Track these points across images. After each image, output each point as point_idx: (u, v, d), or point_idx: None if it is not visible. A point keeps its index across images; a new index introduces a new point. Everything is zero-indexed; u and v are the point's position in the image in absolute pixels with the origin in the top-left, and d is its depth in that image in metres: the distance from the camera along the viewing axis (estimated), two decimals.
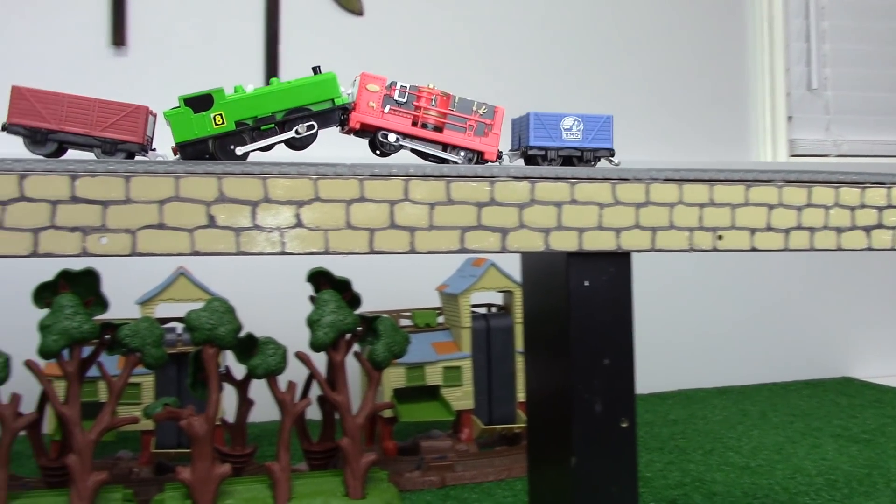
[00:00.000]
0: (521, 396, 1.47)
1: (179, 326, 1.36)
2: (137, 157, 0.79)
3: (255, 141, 0.78)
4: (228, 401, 1.16)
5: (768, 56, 2.40)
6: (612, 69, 2.25)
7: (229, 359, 1.14)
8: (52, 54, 1.87)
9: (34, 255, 0.66)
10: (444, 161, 0.82)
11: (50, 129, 0.76)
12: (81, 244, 0.66)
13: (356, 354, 1.18)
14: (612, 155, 0.87)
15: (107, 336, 1.09)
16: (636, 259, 0.83)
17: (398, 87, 0.80)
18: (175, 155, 0.80)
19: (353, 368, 1.18)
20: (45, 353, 1.02)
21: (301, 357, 1.13)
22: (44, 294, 1.07)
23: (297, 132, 0.79)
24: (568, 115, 0.84)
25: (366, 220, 0.73)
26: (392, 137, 0.80)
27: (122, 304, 1.18)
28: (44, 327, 1.03)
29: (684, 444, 1.57)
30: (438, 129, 0.81)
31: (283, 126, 0.79)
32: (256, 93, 0.78)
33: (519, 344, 1.48)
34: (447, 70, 2.07)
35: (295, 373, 1.13)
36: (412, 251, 0.75)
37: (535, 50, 2.19)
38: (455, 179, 0.76)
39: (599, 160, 0.88)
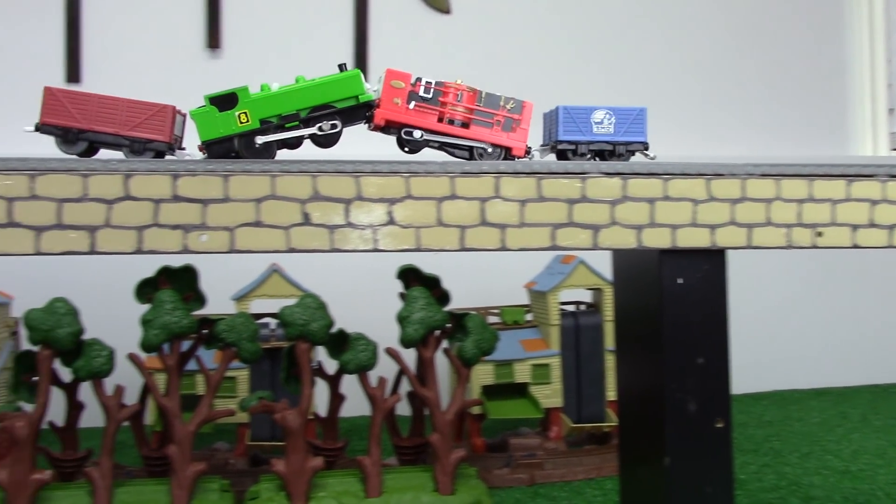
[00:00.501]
0: (610, 395, 1.46)
1: (273, 322, 1.40)
2: (167, 157, 0.81)
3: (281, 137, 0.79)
4: (320, 395, 1.18)
5: (868, 46, 2.31)
6: (709, 63, 2.21)
7: (321, 354, 1.16)
8: (150, 58, 1.93)
9: (139, 252, 0.68)
10: (470, 157, 0.81)
11: (81, 128, 0.78)
12: (183, 241, 0.68)
13: (445, 351, 1.18)
14: (647, 148, 0.85)
15: (204, 331, 1.13)
16: (730, 254, 0.81)
17: (423, 83, 0.80)
18: (202, 153, 0.81)
19: (441, 365, 1.18)
20: (146, 346, 1.06)
21: (391, 353, 1.14)
22: (145, 290, 1.11)
23: (320, 129, 0.79)
24: (599, 108, 0.83)
25: (457, 218, 0.73)
26: (417, 134, 0.80)
27: (217, 300, 1.21)
28: (145, 322, 1.06)
29: (780, 447, 1.53)
30: (465, 124, 0.80)
31: (308, 123, 0.79)
32: (281, 91, 0.79)
33: (608, 342, 1.46)
34: (534, 67, 2.06)
35: (385, 369, 1.14)
36: (503, 248, 0.75)
37: (630, 46, 2.16)
38: (546, 176, 0.76)
39: (633, 154, 0.86)
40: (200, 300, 1.12)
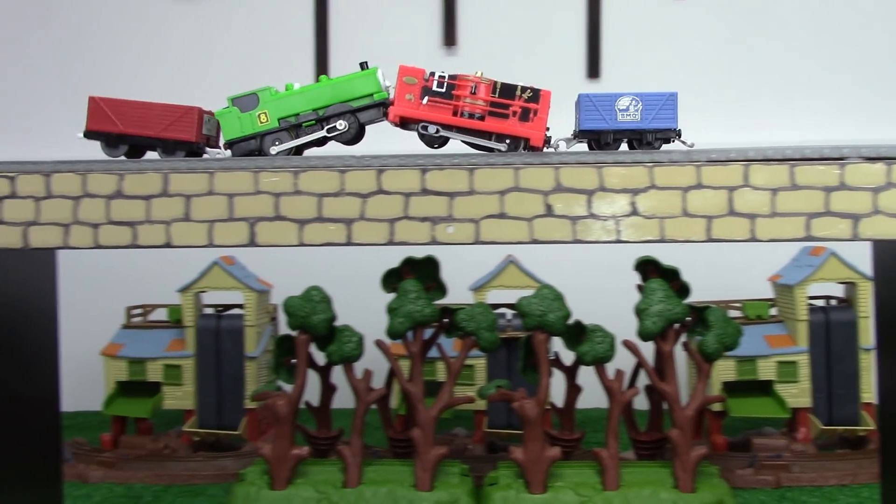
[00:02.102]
0: (865, 397, 1.36)
1: (509, 312, 1.42)
2: (205, 156, 0.84)
3: (298, 137, 0.80)
4: (557, 386, 1.18)
5: None
6: None
7: (558, 345, 1.16)
8: (388, 56, 2.01)
9: (390, 243, 0.71)
10: (488, 149, 0.78)
11: (120, 133, 0.82)
12: (431, 233, 0.71)
13: (684, 345, 1.15)
14: (679, 135, 0.80)
15: (445, 320, 1.17)
16: None
17: (436, 77, 0.78)
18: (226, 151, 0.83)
19: (680, 359, 1.15)
20: (392, 333, 1.11)
21: (629, 346, 1.12)
22: (390, 280, 1.17)
23: (336, 128, 0.80)
24: (625, 94, 0.78)
25: (703, 208, 0.71)
26: (432, 129, 0.78)
27: (456, 290, 1.24)
28: (391, 310, 1.12)
29: None
30: (482, 117, 0.77)
31: (325, 122, 0.80)
32: (298, 91, 0.80)
33: (863, 340, 1.36)
34: (786, 53, 1.95)
35: (623, 361, 1.13)
36: (752, 239, 0.71)
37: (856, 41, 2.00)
38: (800, 163, 0.72)
39: (665, 141, 0.81)
40: (442, 290, 1.16)
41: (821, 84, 1.93)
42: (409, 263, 1.15)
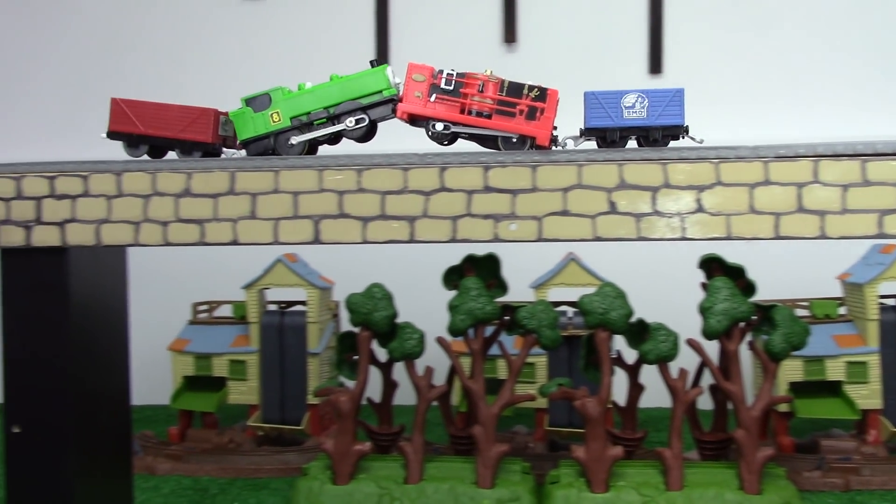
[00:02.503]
0: None
1: (570, 310, 1.41)
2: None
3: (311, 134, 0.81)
4: (619, 384, 1.17)
5: None
6: None
7: (620, 343, 1.15)
8: (449, 54, 2.02)
9: (453, 240, 0.72)
10: (496, 147, 0.78)
11: (141, 133, 0.84)
12: (493, 230, 0.71)
13: (750, 344, 1.13)
14: (687, 131, 0.78)
15: (506, 317, 1.16)
16: None
17: (444, 75, 0.78)
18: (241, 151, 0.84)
19: (745, 359, 1.13)
20: (453, 331, 1.12)
21: (693, 345, 1.11)
22: (451, 277, 1.17)
23: (346, 125, 0.80)
24: (630, 91, 0.78)
25: (771, 204, 0.70)
26: (440, 126, 0.78)
27: (516, 288, 1.24)
28: (452, 307, 1.12)
29: None
30: (488, 115, 0.77)
31: (335, 120, 0.80)
32: (309, 90, 0.81)
33: None
34: None
35: (687, 360, 1.11)
36: (822, 236, 0.70)
37: None
38: (872, 158, 0.70)
39: (674, 138, 0.79)
40: (503, 287, 1.16)
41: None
42: (471, 261, 1.15)
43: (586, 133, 0.79)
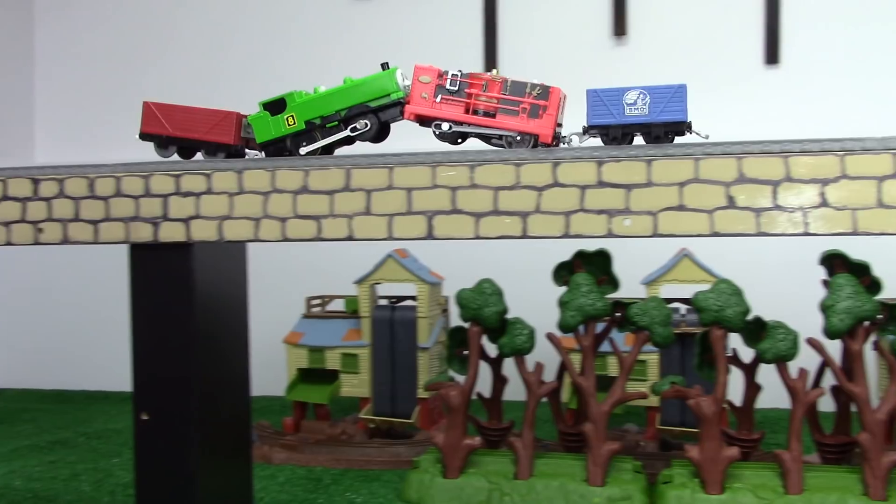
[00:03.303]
0: None
1: (683, 307, 1.38)
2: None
3: (324, 138, 0.82)
4: (734, 384, 1.15)
5: None
6: None
7: (736, 341, 1.12)
8: (559, 47, 2.01)
9: (566, 236, 0.71)
10: (499, 144, 0.78)
11: (169, 135, 0.87)
12: (607, 226, 0.70)
13: (875, 344, 1.09)
14: (690, 127, 0.76)
15: (617, 314, 1.15)
16: None
17: (449, 76, 0.78)
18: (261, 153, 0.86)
19: (870, 359, 1.09)
20: (563, 327, 1.11)
21: (813, 344, 1.07)
22: (561, 273, 1.16)
23: (357, 127, 0.81)
24: (632, 88, 0.76)
25: None
26: (445, 126, 0.78)
27: (628, 284, 1.22)
28: (563, 303, 1.11)
29: None
30: (492, 114, 0.77)
31: (347, 122, 0.81)
32: (322, 94, 0.82)
33: None
34: None
35: (807, 360, 1.08)
36: None
37: None
38: None
39: (678, 134, 0.77)
40: (614, 283, 1.15)
41: None
42: (581, 256, 1.14)
43: (589, 130, 0.79)
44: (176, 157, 0.89)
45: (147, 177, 0.80)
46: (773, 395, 1.18)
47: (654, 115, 0.76)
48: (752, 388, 1.14)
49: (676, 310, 1.38)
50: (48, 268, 2.25)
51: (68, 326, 2.25)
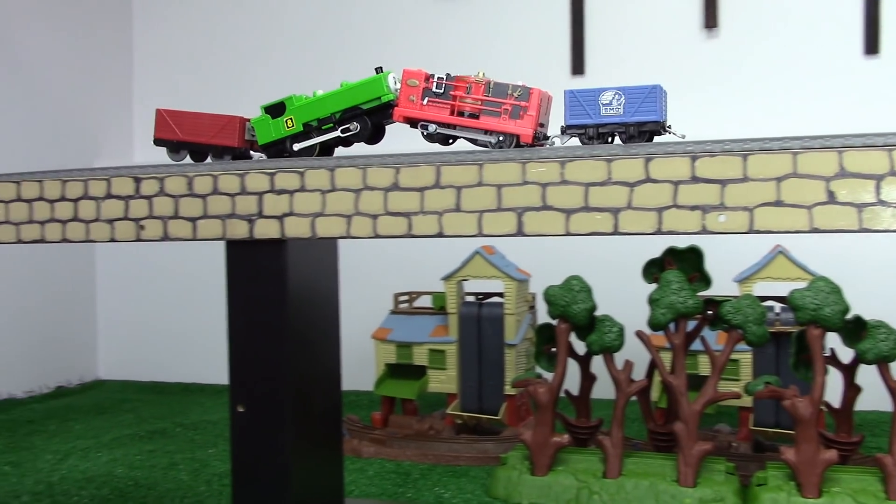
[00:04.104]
0: None
1: (777, 305, 1.35)
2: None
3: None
4: (831, 385, 1.11)
5: None
6: None
7: (834, 341, 1.09)
8: (649, 41, 1.98)
9: (658, 232, 0.70)
10: (483, 144, 0.79)
11: (180, 140, 0.90)
12: (701, 222, 0.69)
13: None
14: (663, 127, 0.76)
15: (709, 312, 1.13)
16: None
17: (435, 79, 0.80)
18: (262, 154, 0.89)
19: None
20: (654, 325, 1.09)
21: None
22: (651, 270, 1.15)
23: (349, 129, 0.84)
24: (608, 88, 0.77)
25: None
26: (431, 127, 0.80)
27: (720, 281, 1.20)
28: (653, 301, 1.10)
29: None
30: (476, 115, 0.79)
31: (341, 125, 0.84)
32: (318, 97, 0.85)
33: None
34: None
35: None
36: None
37: None
38: None
39: (655, 134, 0.77)
40: (706, 281, 1.13)
41: None
42: (672, 253, 1.13)
43: (567, 130, 0.80)
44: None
45: (243, 175, 0.82)
46: (874, 396, 1.14)
47: (629, 116, 0.77)
48: (852, 390, 1.11)
49: (770, 308, 1.34)
50: (148, 267, 2.33)
51: (166, 321, 2.32)
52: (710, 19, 1.95)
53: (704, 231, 0.69)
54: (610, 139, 0.80)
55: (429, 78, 0.81)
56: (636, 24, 1.99)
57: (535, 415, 1.16)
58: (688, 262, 1.13)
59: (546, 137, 0.81)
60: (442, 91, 0.80)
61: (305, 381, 0.87)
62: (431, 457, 1.40)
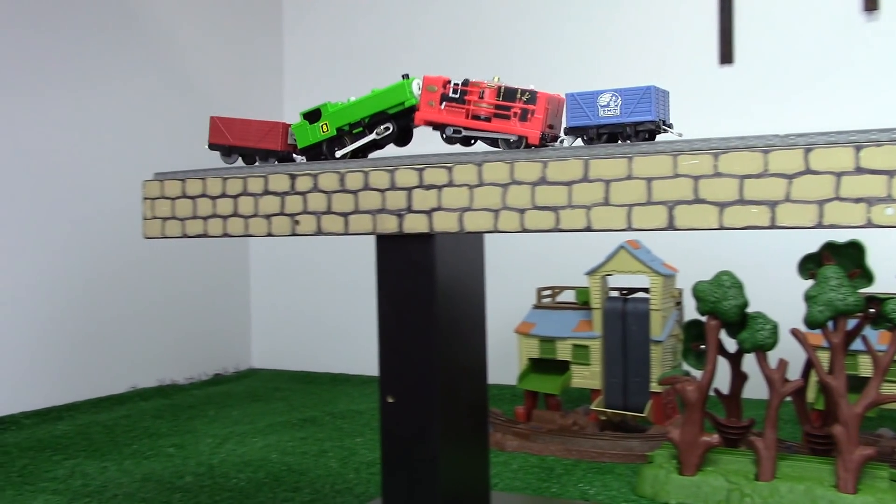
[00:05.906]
0: None
1: None
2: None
3: (351, 142, 0.89)
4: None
5: None
6: None
7: None
8: (803, 28, 1.89)
9: (819, 226, 0.67)
10: (495, 144, 0.82)
11: (231, 145, 0.95)
12: (866, 215, 0.65)
13: None
14: (657, 127, 0.76)
15: (871, 310, 1.07)
16: None
17: (451, 84, 0.83)
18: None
19: None
20: (810, 323, 1.05)
21: None
22: (808, 265, 1.10)
23: (377, 133, 0.88)
24: (606, 91, 0.78)
25: None
26: (449, 130, 0.83)
27: (883, 278, 1.14)
28: (809, 298, 1.05)
29: None
30: (488, 118, 0.82)
31: (371, 129, 0.88)
32: (349, 103, 0.89)
33: None
34: None
35: None
36: None
37: None
38: None
39: (652, 134, 0.77)
40: (868, 277, 1.08)
41: None
42: (830, 248, 1.08)
43: (568, 132, 0.81)
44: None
45: (392, 171, 0.84)
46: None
47: (625, 116, 0.78)
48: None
49: None
50: (298, 261, 2.42)
51: (315, 314, 2.41)
52: (871, 2, 1.85)
53: (870, 224, 0.66)
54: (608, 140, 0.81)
55: (446, 84, 0.84)
56: (789, 8, 1.91)
57: (683, 413, 1.13)
58: (847, 258, 1.08)
59: (556, 139, 0.83)
60: (458, 96, 0.84)
61: (453, 373, 0.88)
62: (575, 452, 1.39)
